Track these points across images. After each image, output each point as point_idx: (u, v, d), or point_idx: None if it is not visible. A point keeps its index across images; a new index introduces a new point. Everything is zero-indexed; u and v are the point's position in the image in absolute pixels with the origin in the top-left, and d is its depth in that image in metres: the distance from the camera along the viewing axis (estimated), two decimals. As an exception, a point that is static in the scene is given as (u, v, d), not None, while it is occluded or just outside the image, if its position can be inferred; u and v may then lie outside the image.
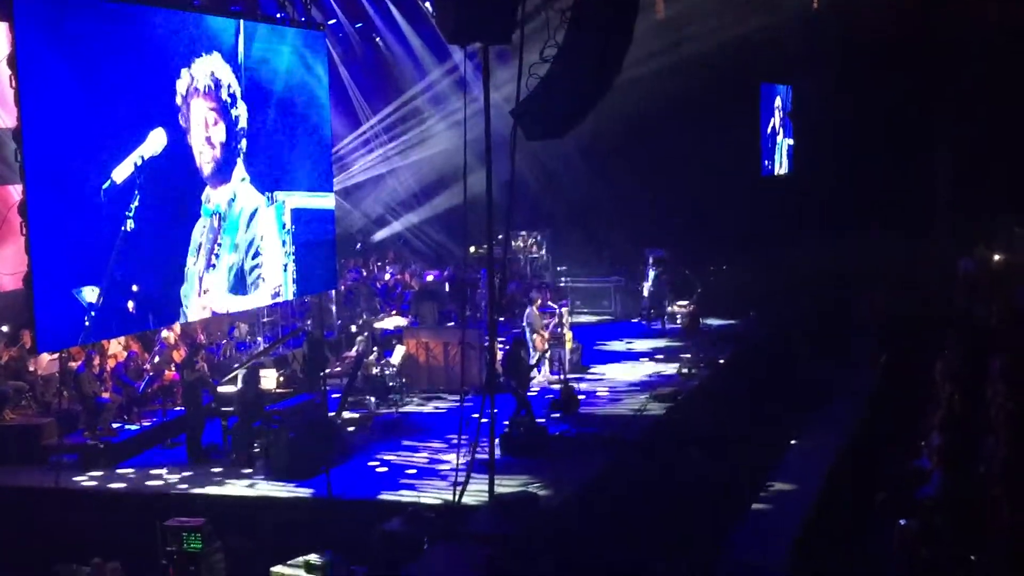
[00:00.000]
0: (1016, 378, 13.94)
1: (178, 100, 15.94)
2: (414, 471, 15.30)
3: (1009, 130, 27.06)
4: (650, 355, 22.79)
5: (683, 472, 15.62)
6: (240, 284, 17.36)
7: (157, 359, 17.88)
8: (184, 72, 16.04)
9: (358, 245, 28.87)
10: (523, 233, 27.86)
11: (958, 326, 17.98)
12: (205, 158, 16.58)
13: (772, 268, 26.24)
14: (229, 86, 16.89)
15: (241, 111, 17.19)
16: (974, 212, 26.79)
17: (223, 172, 17.00)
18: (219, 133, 16.71)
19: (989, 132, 27.48)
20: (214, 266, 16.83)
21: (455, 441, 14.54)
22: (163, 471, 15.67)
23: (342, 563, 12.30)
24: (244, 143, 17.37)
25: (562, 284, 27.15)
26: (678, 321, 25.36)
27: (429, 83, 28.00)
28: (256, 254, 17.65)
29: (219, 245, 16.91)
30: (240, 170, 17.26)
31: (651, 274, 25.75)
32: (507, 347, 17.88)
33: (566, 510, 13.83)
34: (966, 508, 11.16)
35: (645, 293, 26.05)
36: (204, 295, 16.66)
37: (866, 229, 27.37)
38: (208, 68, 16.53)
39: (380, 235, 29.74)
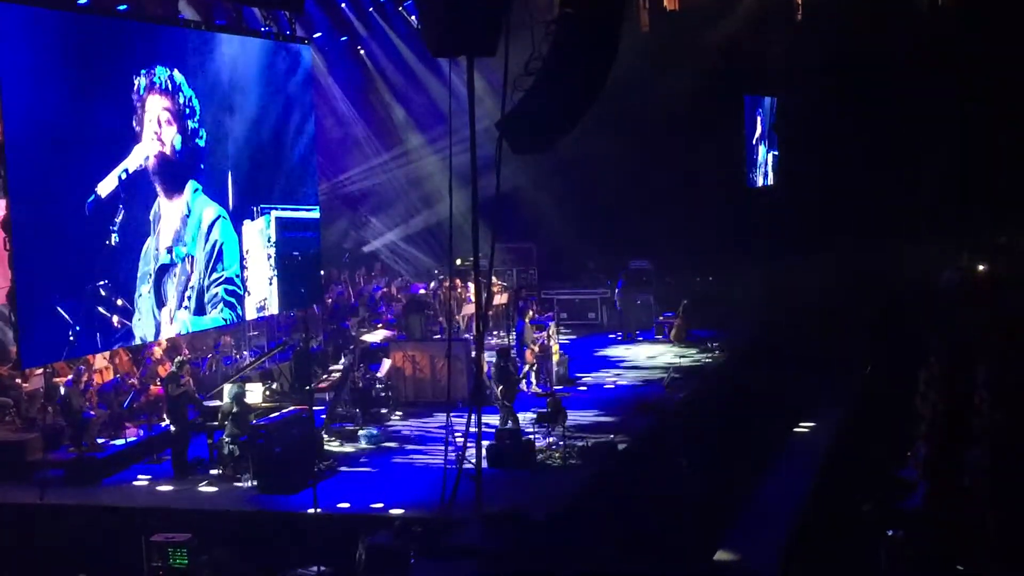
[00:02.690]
0: (1001, 388, 14.01)
1: (135, 96, 15.74)
2: (401, 485, 15.26)
3: (993, 141, 27.21)
4: (636, 367, 22.81)
5: (671, 483, 15.61)
6: (199, 305, 17.15)
7: (134, 380, 17.78)
8: (143, 71, 15.83)
9: (345, 257, 28.84)
10: (510, 246, 27.85)
11: (942, 336, 18.03)
12: (153, 151, 16.19)
13: (758, 279, 26.30)
14: (189, 99, 16.71)
15: (201, 129, 16.96)
16: (958, 222, 26.89)
17: (175, 181, 16.65)
18: (171, 135, 16.41)
19: (973, 143, 27.62)
20: (183, 289, 16.69)
21: (442, 454, 14.51)
22: (149, 486, 15.59)
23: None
24: (204, 161, 17.11)
25: (546, 296, 27.15)
26: (665, 332, 25.41)
27: (417, 96, 28.02)
28: (214, 268, 17.40)
29: (178, 264, 16.63)
30: (193, 184, 17.00)
31: (622, 284, 25.85)
32: (495, 359, 17.88)
33: (553, 523, 13.81)
34: (952, 519, 11.20)
35: (618, 306, 26.12)
36: (173, 318, 16.54)
37: (850, 239, 27.45)
38: (168, 73, 16.32)
39: (368, 247, 29.69)
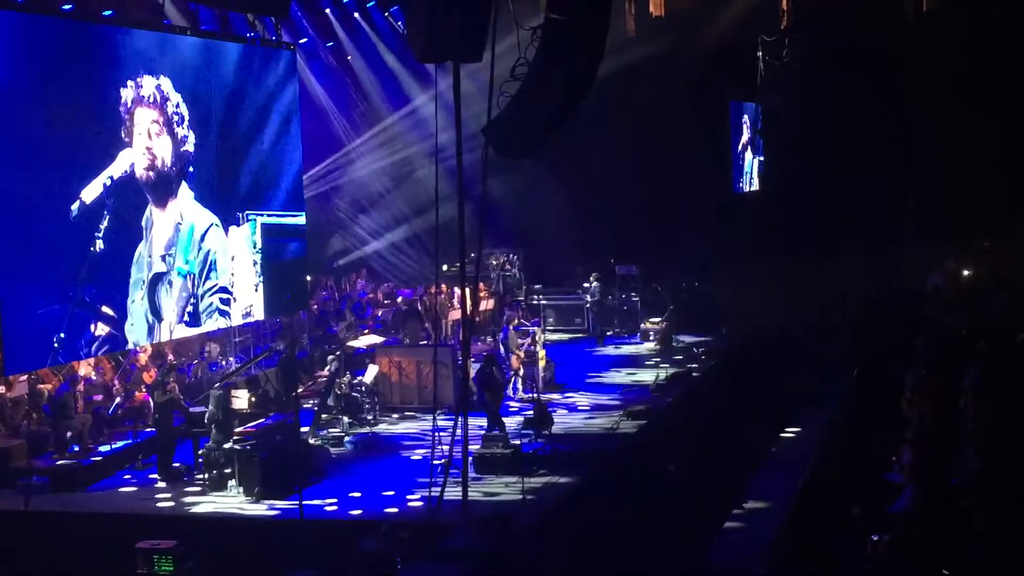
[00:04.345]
0: (988, 391, 14.06)
1: (123, 109, 15.65)
2: (388, 490, 15.24)
3: (978, 145, 27.29)
4: (623, 372, 22.81)
5: (658, 487, 15.61)
6: (194, 315, 17.06)
7: (117, 386, 17.73)
8: (129, 82, 15.76)
9: (337, 263, 28.82)
10: (497, 252, 27.84)
11: (929, 340, 18.08)
12: (144, 168, 16.09)
13: (743, 284, 26.35)
14: (177, 104, 16.61)
15: (189, 134, 16.86)
16: (944, 226, 26.97)
17: (167, 189, 16.56)
18: (159, 146, 16.30)
19: (958, 147, 27.70)
20: (184, 305, 16.61)
21: (428, 460, 14.49)
22: (134, 493, 15.53)
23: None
24: (193, 164, 16.99)
25: (534, 302, 27.16)
26: (651, 337, 25.43)
27: (402, 101, 28.07)
28: (208, 277, 17.29)
29: (172, 273, 16.52)
30: (186, 190, 16.91)
31: (594, 287, 25.87)
32: (480, 365, 17.87)
33: (540, 528, 13.80)
34: (939, 522, 11.21)
35: (588, 311, 26.11)
36: (172, 331, 16.50)
37: (835, 244, 27.51)
38: (156, 82, 16.21)
39: (352, 255, 29.67)
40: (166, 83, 16.35)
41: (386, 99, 28.29)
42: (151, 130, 16.12)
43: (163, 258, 16.49)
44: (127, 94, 15.65)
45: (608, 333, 26.51)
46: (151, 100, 16.10)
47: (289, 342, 19.45)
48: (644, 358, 23.95)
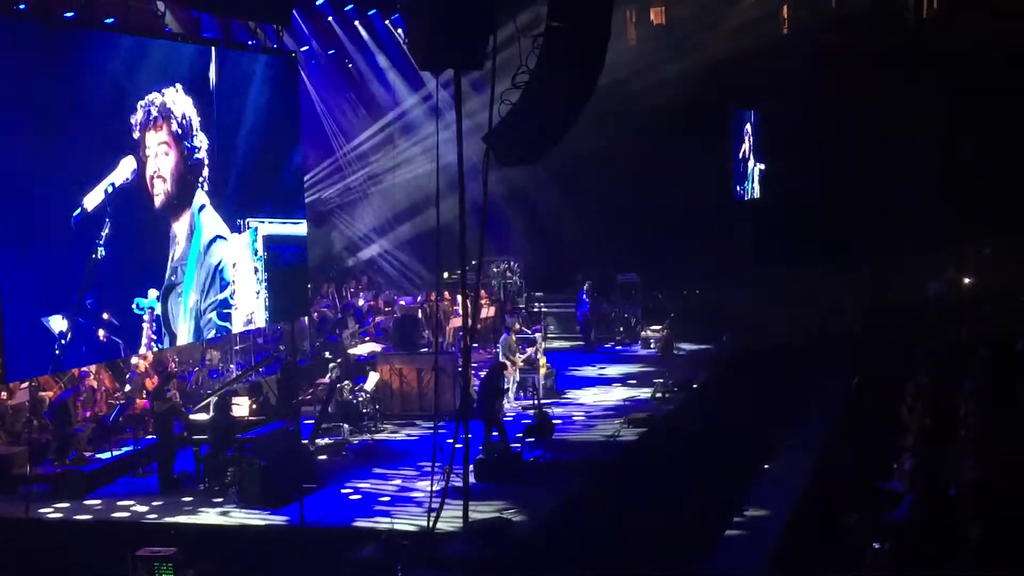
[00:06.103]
0: (987, 399, 14.07)
1: (135, 134, 15.70)
2: (388, 498, 15.25)
3: (980, 152, 27.32)
4: (624, 380, 22.78)
5: (657, 494, 15.61)
6: (196, 330, 17.06)
7: (128, 387, 17.75)
8: (138, 105, 15.80)
9: (338, 270, 28.84)
10: (498, 260, 27.85)
11: (929, 348, 18.10)
12: (157, 190, 16.15)
13: (744, 291, 26.37)
14: (184, 115, 16.59)
15: (200, 141, 16.88)
16: (944, 234, 27.00)
17: (180, 203, 16.61)
18: (169, 164, 16.32)
19: (960, 154, 27.72)
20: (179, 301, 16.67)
21: (429, 467, 14.49)
22: (134, 500, 15.54)
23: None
24: (206, 171, 17.04)
25: (535, 309, 27.17)
26: (652, 345, 25.42)
27: (403, 109, 28.13)
28: (210, 292, 17.24)
29: (180, 287, 16.54)
30: (201, 197, 16.92)
31: (584, 299, 25.85)
32: (487, 372, 17.90)
33: (540, 536, 13.80)
34: (938, 531, 11.22)
35: (579, 319, 26.04)
36: (173, 336, 16.55)
37: (836, 252, 27.53)
38: (162, 99, 16.22)
39: (353, 261, 29.70)
40: (170, 93, 16.35)
41: (386, 106, 28.34)
42: (159, 151, 16.16)
43: (175, 271, 16.52)
44: (137, 118, 15.70)
45: (610, 343, 26.52)
46: (160, 118, 16.11)
47: (290, 349, 19.46)
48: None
